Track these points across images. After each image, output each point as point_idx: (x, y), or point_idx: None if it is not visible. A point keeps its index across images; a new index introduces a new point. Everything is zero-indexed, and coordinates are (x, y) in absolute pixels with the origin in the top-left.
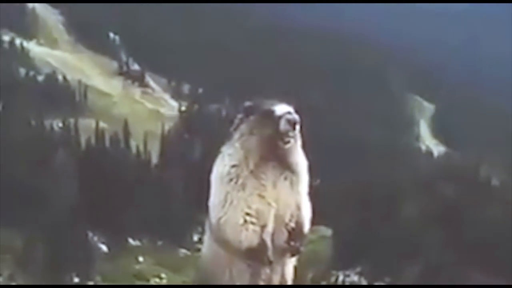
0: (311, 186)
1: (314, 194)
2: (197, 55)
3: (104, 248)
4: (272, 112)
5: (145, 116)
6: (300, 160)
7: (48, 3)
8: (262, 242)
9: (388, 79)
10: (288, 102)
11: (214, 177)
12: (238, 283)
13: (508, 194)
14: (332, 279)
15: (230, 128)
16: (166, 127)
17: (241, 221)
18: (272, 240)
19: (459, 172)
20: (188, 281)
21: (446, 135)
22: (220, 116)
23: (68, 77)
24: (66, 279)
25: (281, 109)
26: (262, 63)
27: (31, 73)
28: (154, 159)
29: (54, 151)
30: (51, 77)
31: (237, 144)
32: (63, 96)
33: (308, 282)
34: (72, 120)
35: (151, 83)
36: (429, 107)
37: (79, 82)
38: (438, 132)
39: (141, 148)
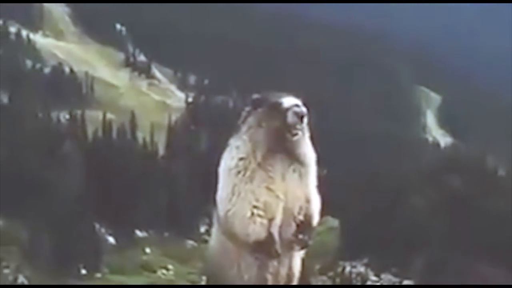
0: (318, 177)
1: (321, 184)
2: (204, 46)
3: (111, 239)
4: (280, 104)
5: (151, 107)
6: (308, 152)
7: None
8: (270, 235)
9: (394, 70)
10: (296, 95)
11: (222, 169)
12: (245, 276)
13: None
14: (339, 270)
15: (237, 120)
16: (173, 119)
17: (249, 214)
18: (280, 233)
19: (466, 162)
20: (195, 272)
21: (453, 126)
22: (227, 108)
23: (75, 68)
24: (73, 271)
25: (289, 101)
26: (269, 55)
27: (38, 65)
28: (161, 151)
29: (61, 143)
30: (58, 69)
31: (245, 137)
32: (69, 87)
33: (315, 273)
34: (79, 112)
35: (158, 74)
36: (436, 98)
37: (86, 73)
38: (445, 122)
39: (148, 139)
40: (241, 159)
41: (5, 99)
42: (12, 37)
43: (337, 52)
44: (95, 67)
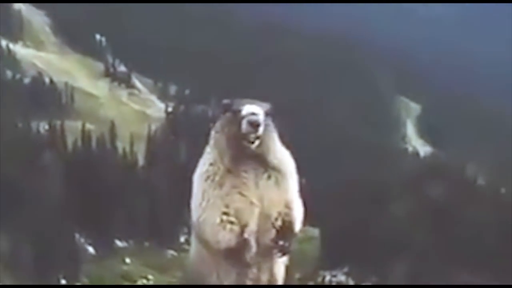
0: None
1: (300, 193)
2: (184, 56)
3: (91, 249)
4: (239, 112)
5: (131, 117)
6: (282, 158)
7: (34, 3)
8: (242, 242)
9: (375, 79)
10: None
11: (195, 176)
12: (225, 283)
13: (494, 194)
14: (319, 280)
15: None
16: (153, 128)
17: (218, 220)
18: (258, 239)
19: (445, 171)
20: (175, 282)
21: (433, 135)
22: (206, 117)
23: (55, 79)
24: (53, 281)
25: (247, 109)
26: (249, 63)
27: (18, 75)
28: (141, 161)
29: (40, 153)
30: (38, 79)
31: (212, 142)
32: (49, 98)
33: (295, 282)
34: (58, 122)
35: (138, 84)
36: (415, 107)
37: (66, 84)
38: (424, 132)
39: (128, 149)
40: (210, 164)
41: None
42: None
43: (317, 60)
44: (75, 77)
